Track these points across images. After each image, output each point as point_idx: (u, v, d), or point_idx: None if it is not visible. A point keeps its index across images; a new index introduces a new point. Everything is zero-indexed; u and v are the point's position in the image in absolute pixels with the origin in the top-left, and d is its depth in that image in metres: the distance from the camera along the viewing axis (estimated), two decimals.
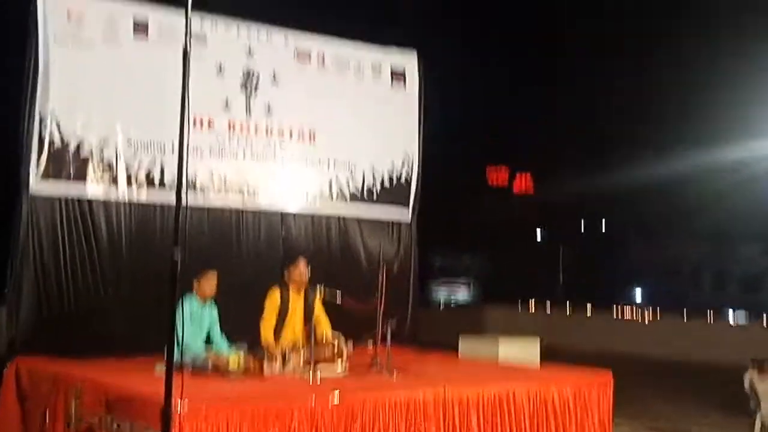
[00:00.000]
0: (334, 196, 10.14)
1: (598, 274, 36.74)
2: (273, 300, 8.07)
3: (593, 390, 7.49)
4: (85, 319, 8.36)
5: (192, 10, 5.14)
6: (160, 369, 6.53)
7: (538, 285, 33.29)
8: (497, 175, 40.91)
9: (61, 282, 8.35)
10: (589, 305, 23.05)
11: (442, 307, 32.14)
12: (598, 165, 32.44)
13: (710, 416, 10.88)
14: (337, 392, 6.05)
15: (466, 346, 10.46)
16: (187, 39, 5.05)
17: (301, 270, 8.18)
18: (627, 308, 23.45)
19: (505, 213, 36.45)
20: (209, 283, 7.76)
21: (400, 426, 6.28)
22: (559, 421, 7.20)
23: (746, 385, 8.70)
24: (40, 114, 8.18)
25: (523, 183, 40.55)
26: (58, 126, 8.30)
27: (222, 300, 7.96)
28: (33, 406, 7.23)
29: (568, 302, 24.28)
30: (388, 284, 8.28)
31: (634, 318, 22.03)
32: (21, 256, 8.15)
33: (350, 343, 7.89)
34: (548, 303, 24.25)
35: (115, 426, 5.37)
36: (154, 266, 8.37)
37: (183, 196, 4.93)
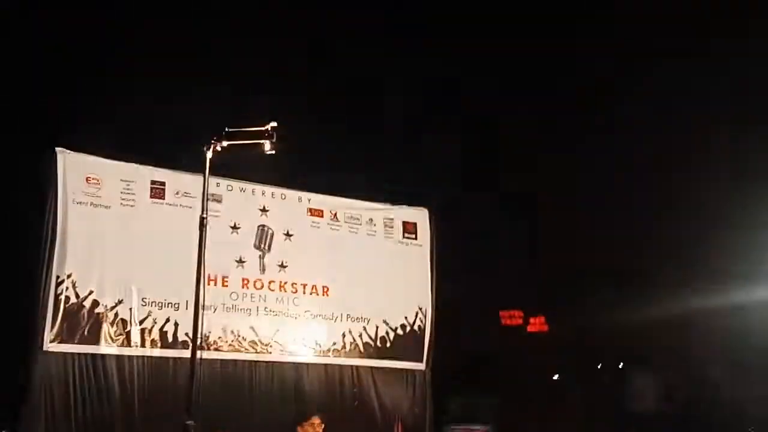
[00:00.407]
0: (348, 348, 10.13)
1: (617, 421, 35.88)
2: None
3: None
4: None
5: (209, 174, 5.32)
6: None
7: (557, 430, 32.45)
8: (511, 321, 40.73)
9: None
10: None
11: None
12: (616, 307, 32.22)
13: None
14: None
15: None
16: (205, 205, 5.21)
17: (315, 427, 8.11)
18: None
19: (520, 357, 36.04)
20: None
21: None
22: None
23: None
24: (56, 275, 8.31)
25: (537, 327, 40.28)
26: (74, 286, 8.41)
27: None
28: None
29: None
30: None
31: None
32: (32, 410, 8.11)
33: None
34: None
35: None
36: (167, 420, 8.32)
37: (197, 359, 4.96)
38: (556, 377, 40.12)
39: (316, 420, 8.18)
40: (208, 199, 5.34)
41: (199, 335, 5.03)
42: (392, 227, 10.75)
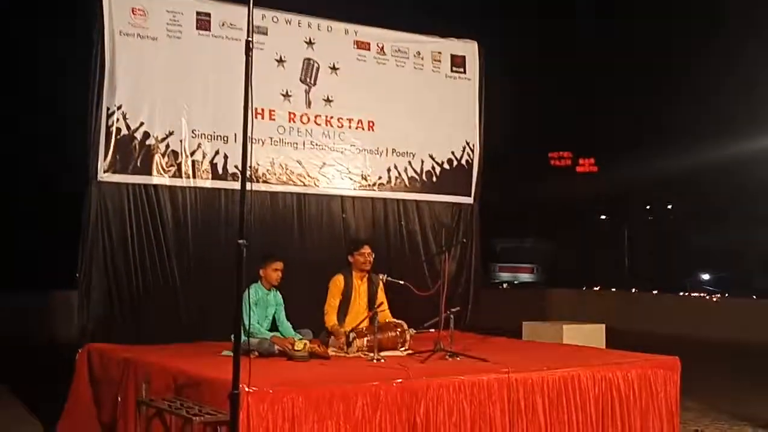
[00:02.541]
0: (393, 182, 10.18)
1: (663, 258, 36.21)
2: (337, 285, 8.21)
3: (660, 375, 7.40)
4: (153, 304, 8.57)
5: (254, 5, 5.23)
6: (227, 354, 6.70)
7: (602, 269, 33.01)
8: (559, 162, 40.83)
9: (129, 267, 8.50)
10: (654, 292, 22.86)
11: (504, 286, 31.98)
12: (663, 149, 31.98)
13: None
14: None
15: (530, 332, 10.44)
16: (250, 28, 5.13)
17: (366, 256, 8.29)
18: (693, 295, 23.07)
19: (569, 196, 36.16)
20: (275, 272, 7.86)
21: (464, 408, 6.29)
22: (625, 405, 7.13)
23: None
24: (106, 107, 8.37)
25: (586, 167, 40.35)
26: (125, 118, 8.48)
27: (285, 285, 8.05)
28: (105, 390, 7.45)
29: (633, 289, 24.00)
30: (450, 269, 8.28)
31: (702, 296, 21.84)
32: (90, 241, 8.33)
33: (412, 330, 7.98)
34: (613, 289, 23.98)
35: (184, 410, 5.50)
36: (220, 250, 8.62)
37: (246, 190, 5.00)
38: (603, 217, 40.34)
39: (366, 249, 8.36)
40: (253, 30, 5.23)
41: (248, 165, 5.03)
42: (440, 61, 10.55)
